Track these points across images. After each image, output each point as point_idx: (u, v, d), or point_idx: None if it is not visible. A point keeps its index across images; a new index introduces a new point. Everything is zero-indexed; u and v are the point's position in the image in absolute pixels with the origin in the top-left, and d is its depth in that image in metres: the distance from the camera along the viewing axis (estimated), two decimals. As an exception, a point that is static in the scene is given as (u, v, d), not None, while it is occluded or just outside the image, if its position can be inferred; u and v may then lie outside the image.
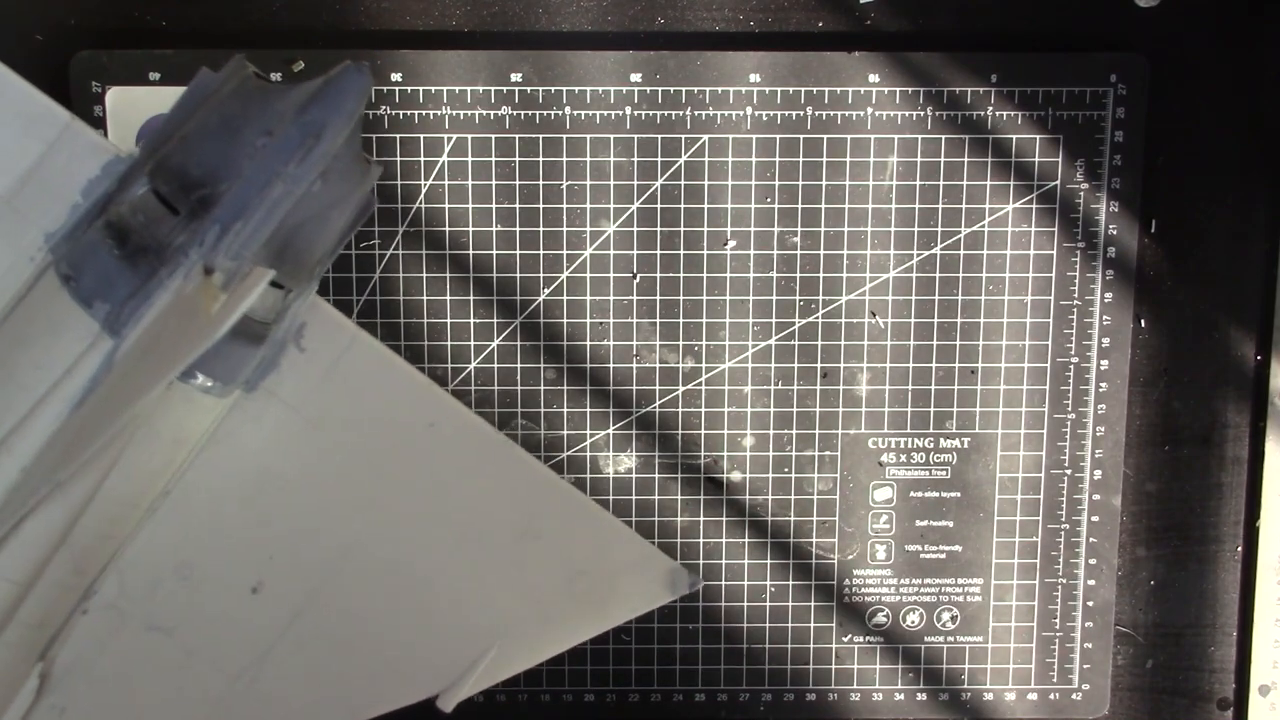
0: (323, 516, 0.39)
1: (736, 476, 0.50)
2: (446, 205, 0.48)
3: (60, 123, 0.37)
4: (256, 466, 0.38)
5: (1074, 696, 0.51)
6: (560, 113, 0.48)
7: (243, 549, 0.38)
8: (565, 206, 0.49)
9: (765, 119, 0.48)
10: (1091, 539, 0.51)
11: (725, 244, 0.49)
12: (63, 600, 0.37)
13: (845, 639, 0.51)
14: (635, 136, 0.48)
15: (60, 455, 0.35)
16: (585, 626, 0.41)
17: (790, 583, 0.51)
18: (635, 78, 0.48)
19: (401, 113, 0.48)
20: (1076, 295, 0.50)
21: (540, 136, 0.48)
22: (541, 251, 0.49)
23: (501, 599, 0.40)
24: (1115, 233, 0.49)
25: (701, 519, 0.50)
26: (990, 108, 0.49)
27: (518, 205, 0.49)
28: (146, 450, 0.37)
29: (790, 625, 0.51)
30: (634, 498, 0.50)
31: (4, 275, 0.36)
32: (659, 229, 0.49)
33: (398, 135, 0.48)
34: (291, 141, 0.35)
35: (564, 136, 0.48)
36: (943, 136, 0.49)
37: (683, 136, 0.48)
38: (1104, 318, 0.50)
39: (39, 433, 0.35)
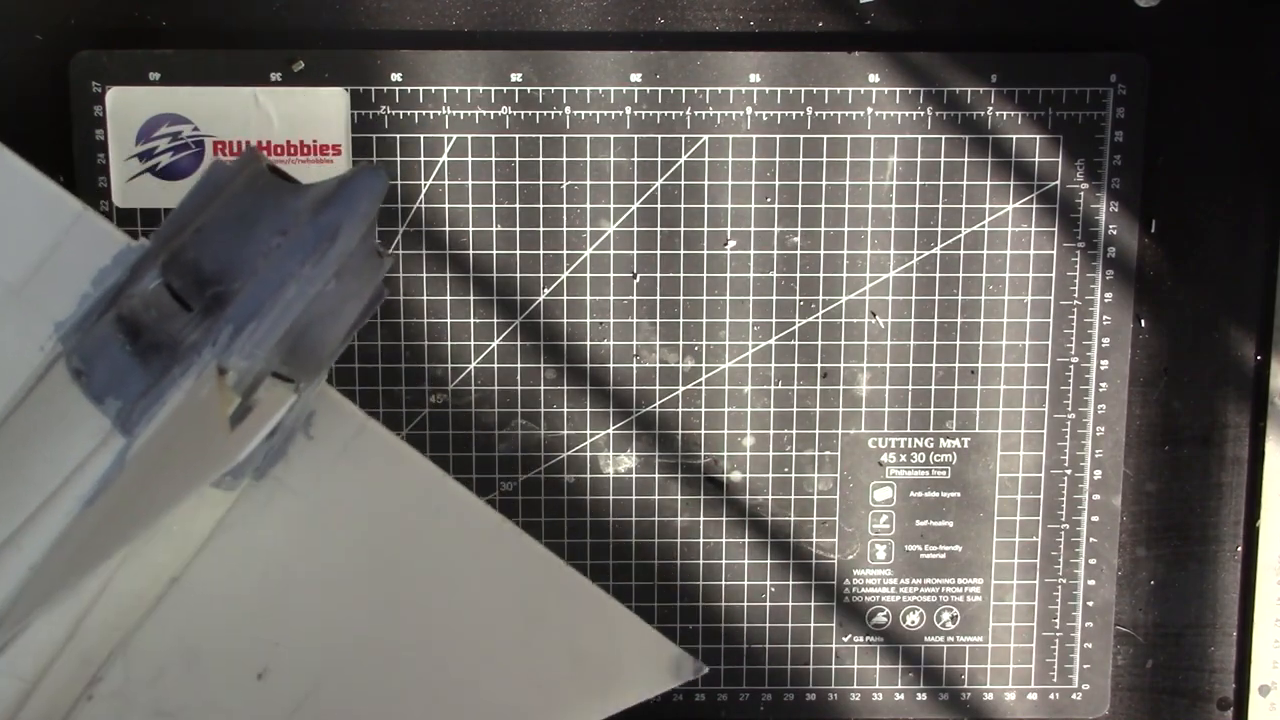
0: (328, 602, 0.38)
1: (736, 476, 0.50)
2: (446, 205, 0.48)
3: (72, 212, 0.36)
4: (263, 553, 0.38)
5: (1074, 696, 0.51)
6: (560, 113, 0.48)
7: (249, 635, 0.38)
8: (565, 206, 0.49)
9: (765, 119, 0.48)
10: (1091, 539, 0.51)
11: (725, 244, 0.49)
12: (68, 689, 0.37)
13: (845, 639, 0.51)
14: (635, 136, 0.48)
15: (73, 556, 0.35)
16: (589, 710, 0.41)
17: (790, 583, 0.51)
18: (635, 78, 0.48)
19: (401, 113, 0.48)
20: (1076, 295, 0.50)
21: (540, 136, 0.48)
22: (541, 251, 0.49)
23: (505, 683, 0.40)
24: (1115, 233, 0.49)
25: (701, 519, 0.50)
26: (990, 108, 0.49)
27: (518, 205, 0.49)
28: (156, 545, 0.37)
29: (790, 625, 0.51)
30: (634, 498, 0.50)
31: (13, 364, 0.36)
32: (659, 229, 0.49)
33: (398, 135, 0.48)
34: (307, 242, 0.34)
35: (564, 136, 0.48)
36: (943, 136, 0.49)
37: (683, 136, 0.48)
38: (1104, 318, 0.50)
39: (49, 530, 0.34)
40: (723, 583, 0.50)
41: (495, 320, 0.49)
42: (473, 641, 0.39)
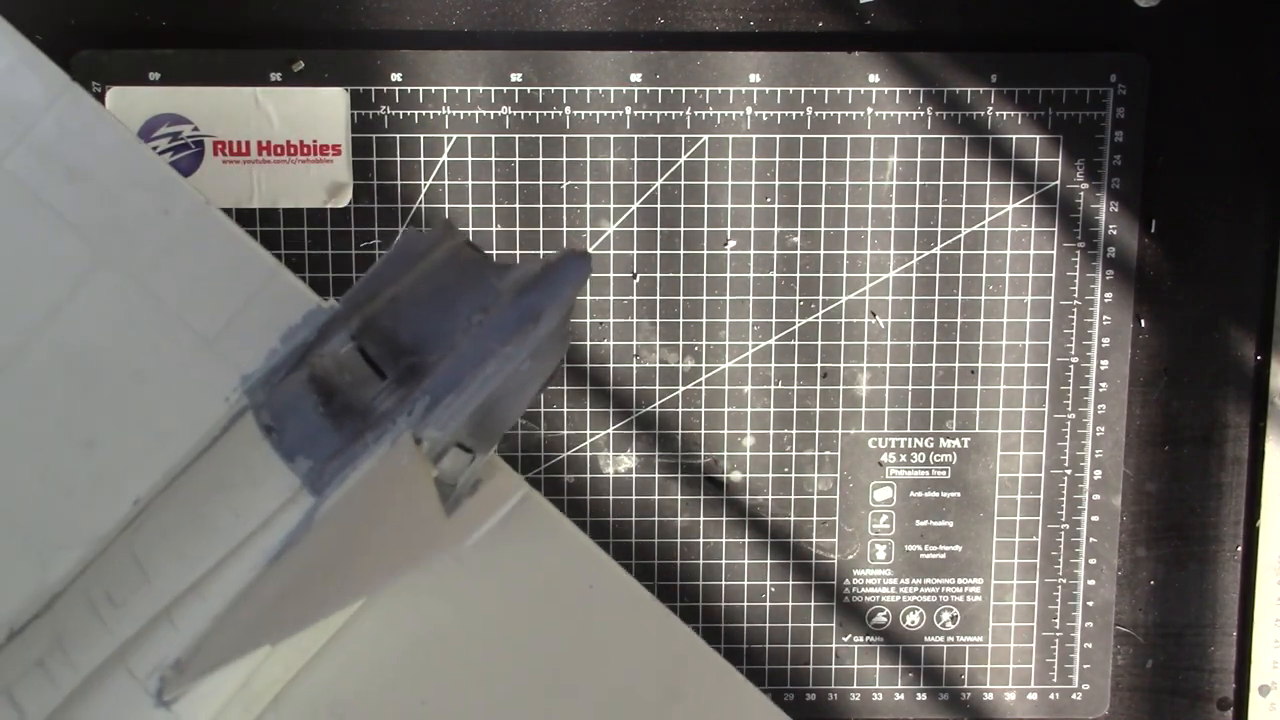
0: (478, 668, 0.38)
1: (736, 476, 0.50)
2: (446, 205, 0.48)
3: (267, 269, 0.36)
4: (418, 616, 0.38)
5: (1074, 696, 0.51)
6: (560, 113, 0.48)
7: (398, 695, 0.38)
8: (565, 206, 0.49)
9: (765, 119, 0.48)
10: (1091, 539, 0.51)
11: (725, 244, 0.49)
12: None
13: (845, 639, 0.51)
14: (635, 136, 0.48)
15: (260, 616, 0.34)
16: None
17: (790, 583, 0.51)
18: (635, 78, 0.48)
19: (401, 113, 0.48)
20: (1076, 295, 0.50)
21: (540, 136, 0.48)
22: (541, 251, 0.49)
23: None
24: (1115, 233, 0.49)
25: (701, 519, 0.50)
26: (990, 108, 0.49)
27: (518, 205, 0.49)
28: None
29: (790, 625, 0.51)
30: (634, 498, 0.50)
31: (199, 413, 0.36)
32: (659, 229, 0.49)
33: (398, 135, 0.48)
34: (509, 323, 0.34)
35: (564, 136, 0.48)
36: (943, 136, 0.49)
37: (683, 136, 0.48)
38: (1104, 318, 0.50)
39: (233, 582, 0.34)
40: (723, 583, 0.50)
41: (495, 320, 0.49)
42: (614, 714, 0.39)
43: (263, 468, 0.35)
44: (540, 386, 0.37)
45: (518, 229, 0.49)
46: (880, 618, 0.51)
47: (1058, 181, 0.49)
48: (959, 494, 0.50)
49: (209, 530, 0.35)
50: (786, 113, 0.48)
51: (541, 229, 0.49)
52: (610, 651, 0.39)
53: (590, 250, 0.49)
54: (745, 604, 0.51)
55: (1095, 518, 0.51)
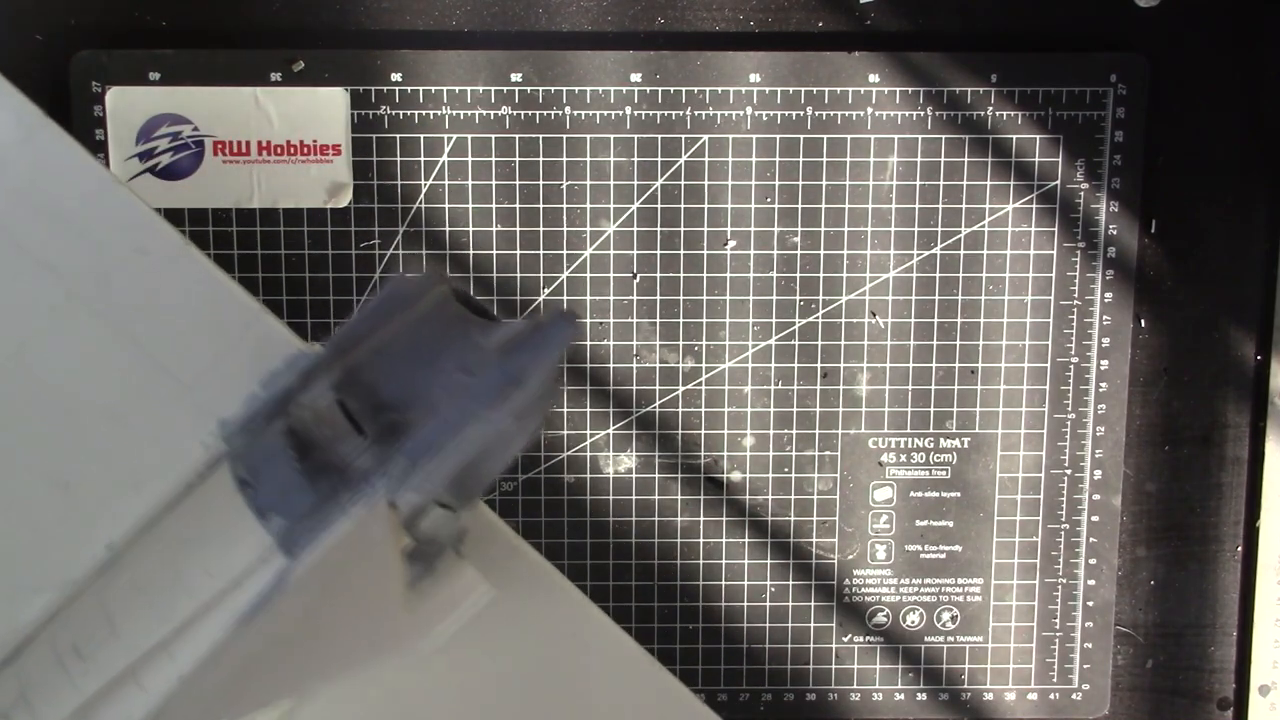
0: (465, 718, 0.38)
1: (736, 476, 0.50)
2: (446, 205, 0.48)
3: (251, 312, 0.36)
4: (401, 666, 0.37)
5: (1074, 696, 0.51)
6: (560, 113, 0.48)
7: None
8: (565, 206, 0.49)
9: (765, 119, 0.48)
10: (1091, 539, 0.51)
11: (725, 244, 0.49)
12: None
13: (845, 639, 0.51)
14: (635, 136, 0.48)
15: (228, 682, 0.34)
16: None
17: (790, 583, 0.51)
18: (635, 78, 0.48)
19: (401, 113, 0.48)
20: (1076, 295, 0.50)
21: (540, 136, 0.48)
22: (541, 251, 0.49)
23: None
24: (1115, 233, 0.49)
25: (701, 519, 0.50)
26: (990, 108, 0.49)
27: (518, 205, 0.49)
28: None
29: (790, 625, 0.51)
30: (634, 498, 0.50)
31: (175, 458, 0.35)
32: (659, 229, 0.49)
33: (398, 135, 0.48)
34: (493, 385, 0.33)
35: (564, 136, 0.48)
36: (943, 136, 0.49)
37: (683, 136, 0.48)
38: (1104, 318, 0.50)
39: (202, 642, 0.33)
40: (723, 583, 0.50)
41: (495, 320, 0.49)
42: None
43: (236, 524, 0.34)
44: (523, 444, 0.36)
45: (518, 229, 0.49)
46: (880, 618, 0.51)
47: (1058, 181, 0.49)
48: (959, 494, 0.50)
49: (180, 586, 0.34)
50: (786, 113, 0.48)
51: (541, 229, 0.49)
52: (599, 704, 0.38)
53: (590, 251, 0.49)
54: (745, 604, 0.51)
55: (1095, 518, 0.51)
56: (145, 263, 0.36)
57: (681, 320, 0.49)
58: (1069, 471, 0.50)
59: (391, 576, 0.33)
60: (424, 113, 0.48)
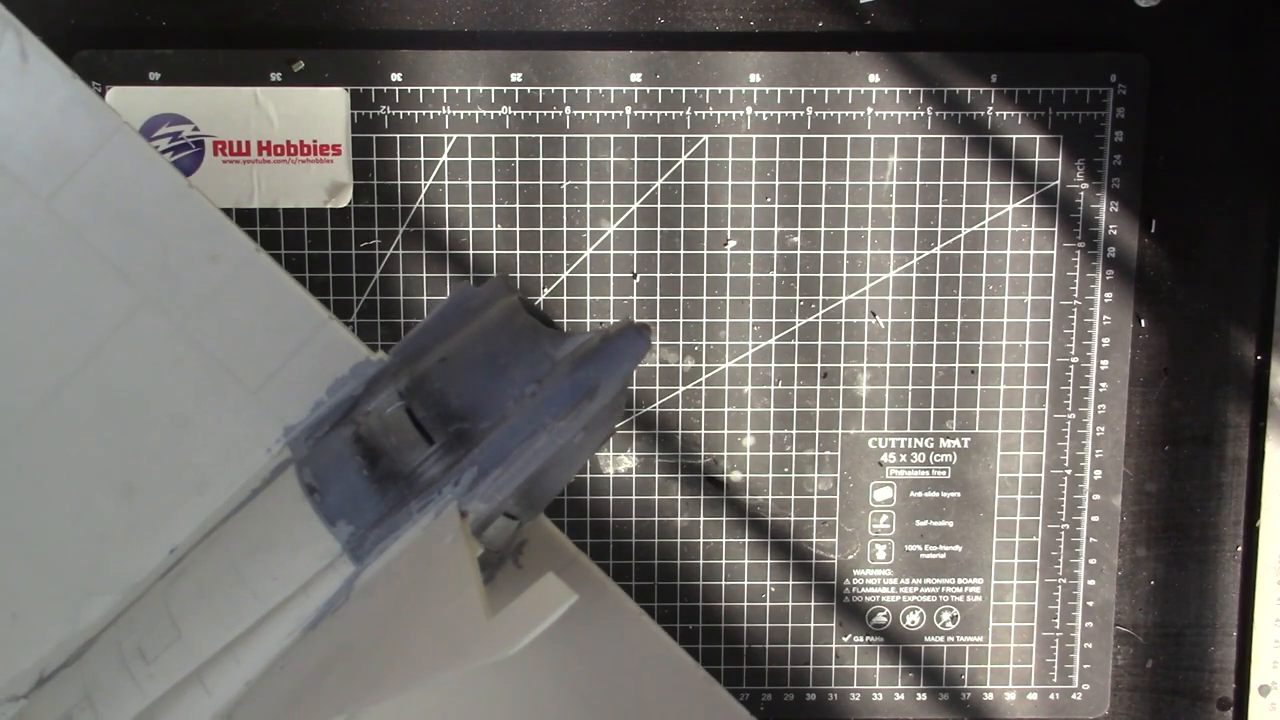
0: None
1: (736, 476, 0.50)
2: (446, 205, 0.48)
3: (318, 320, 0.36)
4: (453, 689, 0.36)
5: (1074, 696, 0.51)
6: (560, 113, 0.48)
7: None
8: (565, 206, 0.49)
9: (765, 119, 0.48)
10: (1091, 539, 0.51)
11: (725, 244, 0.49)
12: None
13: (845, 639, 0.51)
14: (635, 136, 0.48)
15: (297, 690, 0.33)
16: None
17: (790, 583, 0.51)
18: (635, 78, 0.48)
19: (401, 113, 0.48)
20: (1076, 295, 0.50)
21: (540, 136, 0.48)
22: (541, 251, 0.49)
23: None
24: (1115, 233, 0.49)
25: (701, 519, 0.50)
26: (990, 108, 0.49)
27: (518, 205, 0.49)
28: None
29: (790, 625, 0.51)
30: (634, 498, 0.50)
31: (241, 463, 0.35)
32: (659, 229, 0.49)
33: (398, 135, 0.48)
34: (563, 396, 0.33)
35: (564, 136, 0.48)
36: (943, 136, 0.49)
37: (683, 136, 0.48)
38: (1104, 318, 0.50)
39: (268, 647, 0.33)
40: (723, 583, 0.50)
41: (495, 320, 0.49)
42: None
43: (303, 530, 0.34)
44: (590, 455, 0.36)
45: (518, 229, 0.49)
46: (880, 618, 0.51)
47: (1058, 181, 0.49)
48: (959, 494, 0.50)
49: (246, 590, 0.34)
50: (786, 113, 0.48)
51: (541, 229, 0.49)
52: (648, 715, 0.38)
53: (590, 251, 0.49)
54: (745, 604, 0.51)
55: (1095, 518, 0.51)
56: (215, 268, 0.36)
57: (681, 320, 0.49)
58: (1069, 471, 0.50)
59: (469, 584, 0.32)
60: (424, 113, 0.48)
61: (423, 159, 0.48)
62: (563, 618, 0.35)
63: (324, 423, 0.35)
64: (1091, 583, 0.51)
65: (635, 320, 0.35)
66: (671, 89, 0.48)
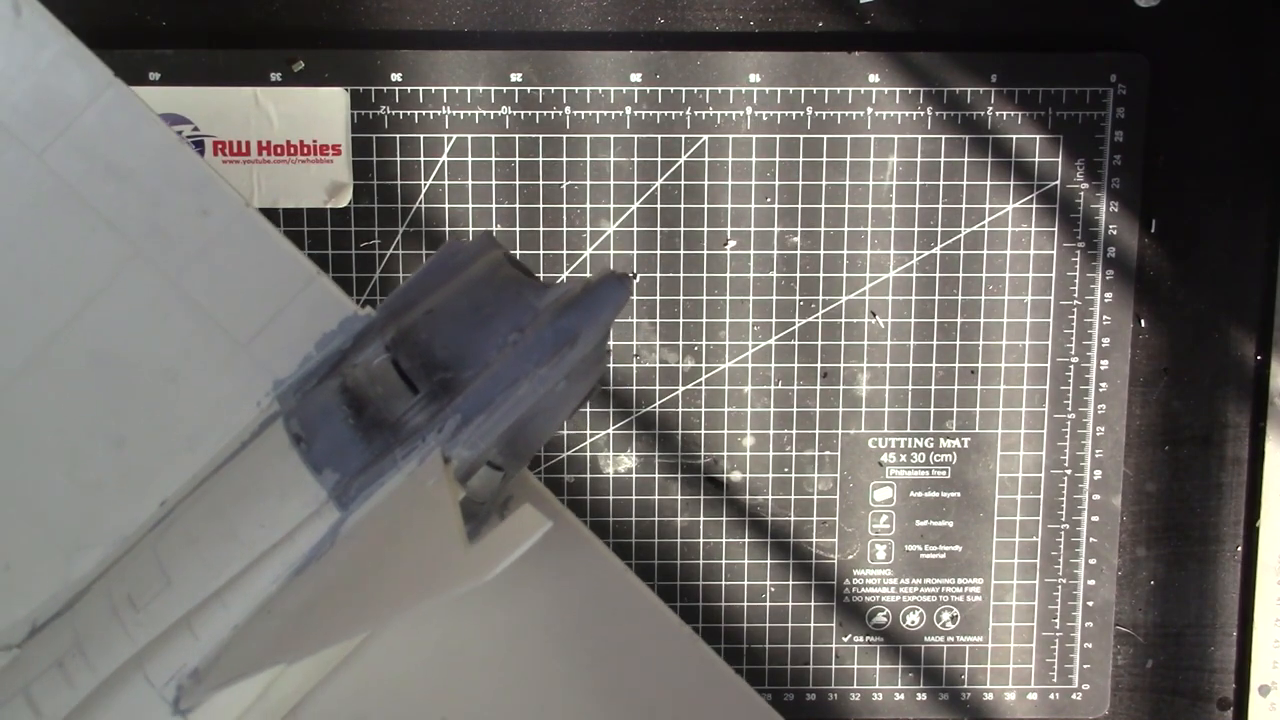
0: (501, 683, 0.38)
1: (736, 476, 0.50)
2: (446, 205, 0.48)
3: (306, 275, 0.36)
4: (441, 629, 0.37)
5: (1074, 696, 0.51)
6: (560, 113, 0.48)
7: (418, 709, 0.38)
8: (565, 206, 0.49)
9: (765, 119, 0.48)
10: (1091, 539, 0.51)
11: (725, 244, 0.49)
12: None
13: (845, 639, 0.51)
14: (635, 136, 0.48)
15: (282, 631, 0.34)
16: None
17: (790, 583, 0.51)
18: (635, 78, 0.48)
19: (401, 113, 0.48)
20: (1076, 295, 0.50)
21: (540, 136, 0.48)
22: (541, 251, 0.49)
23: None
24: (1115, 233, 0.49)
25: (701, 519, 0.50)
26: (990, 108, 0.49)
27: (518, 205, 0.49)
28: None
29: (790, 625, 0.51)
30: (634, 498, 0.50)
31: (230, 416, 0.36)
32: (659, 229, 0.49)
33: (398, 135, 0.48)
34: (545, 344, 0.34)
35: (564, 136, 0.48)
36: (943, 136, 0.49)
37: (683, 136, 0.48)
38: (1104, 318, 0.50)
39: (255, 593, 0.34)
40: (723, 583, 0.50)
41: (495, 320, 0.49)
42: None
43: (290, 478, 0.34)
44: (575, 407, 0.36)
45: (518, 229, 0.49)
46: (880, 618, 0.51)
47: (1058, 181, 0.49)
48: (959, 494, 0.50)
49: (234, 538, 0.34)
50: (786, 113, 0.48)
51: (541, 229, 0.49)
52: (634, 671, 0.38)
53: (590, 251, 0.49)
54: (745, 604, 0.51)
55: (1095, 518, 0.51)
56: (206, 223, 0.36)
57: (681, 320, 0.49)
58: (1069, 471, 0.50)
59: (449, 521, 0.33)
60: (424, 113, 0.48)
61: (423, 159, 0.48)
62: (552, 568, 0.35)
63: (312, 376, 0.35)
64: (1091, 583, 0.51)
65: (614, 269, 0.36)
66: (671, 89, 0.48)
